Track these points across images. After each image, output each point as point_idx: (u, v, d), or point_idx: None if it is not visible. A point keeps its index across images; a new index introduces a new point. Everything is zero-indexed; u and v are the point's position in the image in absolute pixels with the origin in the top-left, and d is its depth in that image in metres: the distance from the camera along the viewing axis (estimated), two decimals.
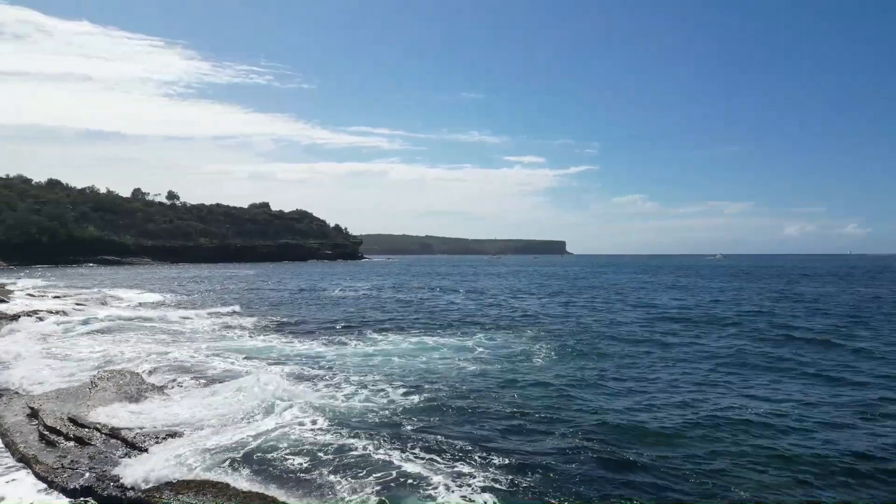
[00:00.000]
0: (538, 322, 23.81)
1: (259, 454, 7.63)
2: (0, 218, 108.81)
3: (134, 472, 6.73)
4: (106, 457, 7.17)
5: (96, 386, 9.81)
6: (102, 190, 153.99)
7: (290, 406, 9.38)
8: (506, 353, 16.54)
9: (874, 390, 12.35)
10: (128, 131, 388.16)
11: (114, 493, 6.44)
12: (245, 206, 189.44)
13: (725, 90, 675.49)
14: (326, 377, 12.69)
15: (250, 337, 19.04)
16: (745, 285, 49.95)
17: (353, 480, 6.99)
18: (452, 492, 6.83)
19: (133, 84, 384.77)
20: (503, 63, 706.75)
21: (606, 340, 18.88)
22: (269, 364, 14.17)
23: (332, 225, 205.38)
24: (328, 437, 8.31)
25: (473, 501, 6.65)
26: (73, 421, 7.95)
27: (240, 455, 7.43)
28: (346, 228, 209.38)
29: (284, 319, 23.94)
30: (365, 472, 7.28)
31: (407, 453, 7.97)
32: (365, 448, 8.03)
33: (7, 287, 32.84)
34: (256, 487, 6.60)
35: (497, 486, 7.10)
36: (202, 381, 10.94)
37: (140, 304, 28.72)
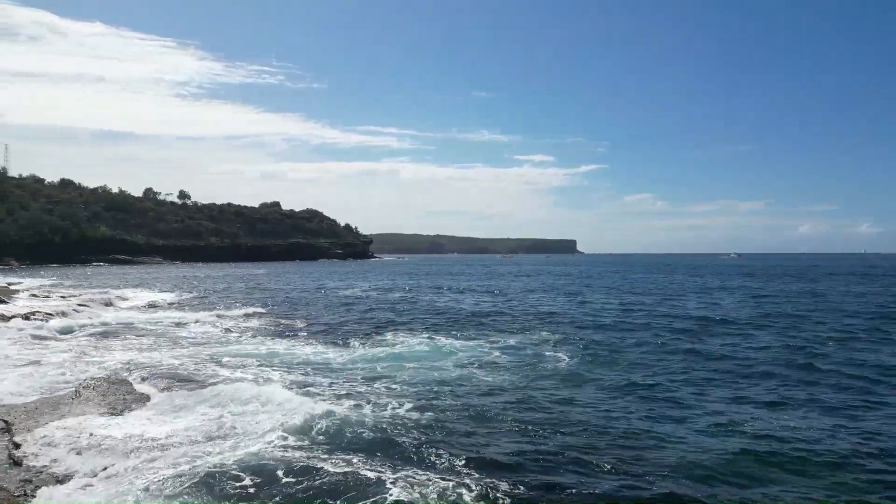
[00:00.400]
0: (556, 324, 22.73)
1: (220, 485, 6.51)
2: (13, 218, 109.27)
3: None
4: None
5: (80, 395, 8.95)
6: (114, 190, 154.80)
7: (281, 424, 8.37)
8: (524, 361, 15.48)
9: None
10: (140, 131, 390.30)
11: None
12: (256, 205, 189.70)
13: (735, 89, 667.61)
14: (331, 387, 11.71)
15: (256, 340, 18.16)
16: (767, 285, 48.44)
17: None
18: None
19: (145, 84, 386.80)
20: (511, 62, 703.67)
21: (632, 346, 17.72)
22: (273, 371, 13.25)
23: (342, 224, 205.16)
24: (313, 462, 7.22)
25: None
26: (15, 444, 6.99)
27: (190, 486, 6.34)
28: (356, 228, 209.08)
29: (293, 321, 23.06)
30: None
31: (403, 483, 6.83)
32: (356, 476, 6.94)
33: (12, 287, 32.30)
34: None
35: None
36: (195, 390, 10.00)
37: (145, 305, 27.98)
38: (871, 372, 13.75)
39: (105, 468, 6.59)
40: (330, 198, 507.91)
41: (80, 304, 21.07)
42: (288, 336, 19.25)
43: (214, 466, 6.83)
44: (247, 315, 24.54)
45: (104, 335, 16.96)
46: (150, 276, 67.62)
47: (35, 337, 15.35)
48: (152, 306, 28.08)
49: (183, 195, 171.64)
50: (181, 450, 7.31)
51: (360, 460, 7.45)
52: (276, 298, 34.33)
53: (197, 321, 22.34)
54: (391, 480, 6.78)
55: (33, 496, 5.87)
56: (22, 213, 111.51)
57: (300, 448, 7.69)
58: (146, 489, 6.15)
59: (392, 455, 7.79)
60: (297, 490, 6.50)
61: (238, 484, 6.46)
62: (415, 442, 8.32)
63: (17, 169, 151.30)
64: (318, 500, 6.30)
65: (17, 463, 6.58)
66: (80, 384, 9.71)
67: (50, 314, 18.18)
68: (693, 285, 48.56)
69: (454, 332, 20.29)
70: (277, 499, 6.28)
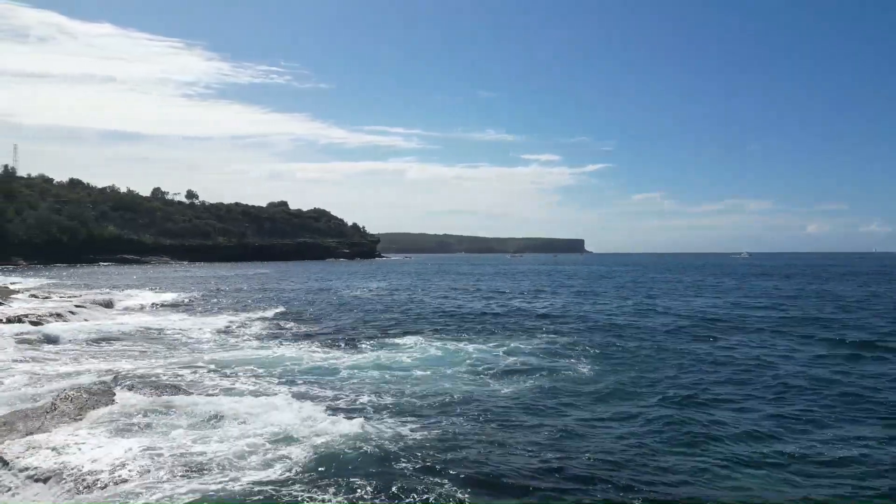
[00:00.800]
0: (571, 327, 21.70)
1: None
2: (21, 217, 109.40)
3: None
4: None
5: (56, 408, 8.08)
6: (123, 189, 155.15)
7: (268, 452, 7.36)
8: (541, 367, 14.49)
9: None
10: (148, 131, 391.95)
11: None
12: (263, 205, 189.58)
13: (741, 88, 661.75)
14: (336, 400, 10.73)
15: (259, 344, 17.28)
16: (783, 285, 47.12)
17: None
18: None
19: (153, 85, 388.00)
20: (518, 62, 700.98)
21: (655, 352, 16.64)
22: (274, 380, 12.33)
23: (349, 224, 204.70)
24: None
25: None
26: None
27: None
28: (363, 227, 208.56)
29: (299, 323, 22.16)
30: None
31: None
32: None
33: (13, 287, 31.67)
34: None
35: None
36: (181, 405, 9.06)
37: (146, 307, 27.19)
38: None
39: None
40: (337, 197, 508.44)
41: (77, 306, 20.27)
42: (293, 340, 18.36)
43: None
44: (251, 317, 23.66)
45: (98, 340, 16.05)
46: (156, 276, 67.13)
47: (22, 342, 14.50)
48: (154, 308, 27.30)
49: (191, 195, 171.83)
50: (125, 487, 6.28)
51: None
52: (281, 299, 33.50)
53: (199, 324, 21.50)
54: None
55: None
56: (30, 213, 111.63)
57: (287, 482, 6.72)
58: None
59: (400, 492, 6.78)
60: None
61: None
62: (423, 473, 7.22)
63: (27, 169, 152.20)
64: None
65: None
66: (57, 396, 8.85)
67: (44, 316, 17.39)
68: (709, 286, 47.31)
69: (465, 335, 19.34)
70: None
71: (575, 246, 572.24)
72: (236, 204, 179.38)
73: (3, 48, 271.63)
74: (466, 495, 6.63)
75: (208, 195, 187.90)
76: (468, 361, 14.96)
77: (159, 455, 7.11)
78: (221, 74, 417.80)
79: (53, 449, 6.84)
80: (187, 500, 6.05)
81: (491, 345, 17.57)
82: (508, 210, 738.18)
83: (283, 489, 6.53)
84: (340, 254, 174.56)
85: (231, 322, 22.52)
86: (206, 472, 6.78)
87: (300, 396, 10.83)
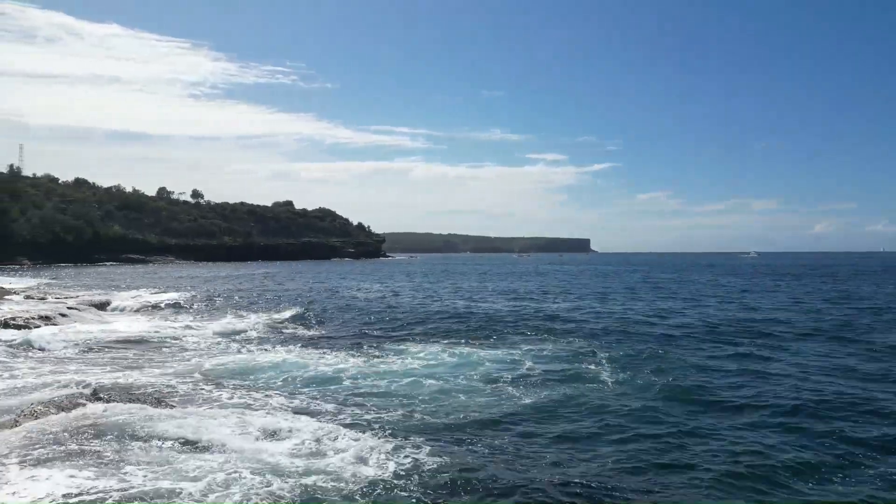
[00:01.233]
0: (585, 329, 20.59)
1: None
2: (26, 217, 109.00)
3: None
4: None
5: (17, 424, 7.11)
6: (128, 189, 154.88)
7: (251, 488, 6.22)
8: (562, 374, 13.45)
9: None
10: (154, 132, 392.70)
11: None
12: (269, 204, 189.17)
13: (747, 87, 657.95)
14: (337, 416, 9.71)
15: (259, 349, 16.27)
16: (800, 285, 45.78)
17: None
18: None
19: (160, 85, 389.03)
20: (523, 61, 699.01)
21: (679, 357, 15.50)
22: (271, 392, 11.30)
23: (355, 223, 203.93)
24: None
25: None
26: None
27: None
28: (369, 227, 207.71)
29: (302, 327, 21.12)
30: None
31: None
32: None
33: (7, 287, 30.84)
34: None
35: None
36: (156, 424, 8.00)
37: (144, 308, 26.23)
38: None
39: None
40: (342, 197, 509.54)
41: (69, 308, 19.33)
42: (296, 344, 17.32)
43: None
44: (252, 319, 22.64)
45: (85, 346, 14.95)
46: (159, 275, 66.39)
47: (8, 347, 13.48)
48: (152, 309, 26.31)
49: (196, 194, 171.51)
50: None
51: None
52: (285, 300, 32.52)
53: (197, 328, 20.54)
54: None
55: None
56: (35, 213, 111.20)
57: None
58: None
59: None
60: None
61: None
62: None
63: (34, 169, 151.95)
64: None
65: None
66: (21, 412, 7.86)
67: (32, 319, 16.44)
68: (723, 286, 46.04)
69: (477, 339, 18.25)
70: None
71: (580, 245, 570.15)
72: (241, 203, 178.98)
73: (11, 49, 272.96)
74: None
75: (214, 195, 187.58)
76: (482, 368, 13.92)
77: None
78: (227, 74, 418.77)
79: None
80: None
81: (504, 350, 16.51)
82: (514, 210, 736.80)
83: None
84: (346, 253, 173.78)
85: (232, 325, 21.54)
86: None
87: (300, 411, 9.81)
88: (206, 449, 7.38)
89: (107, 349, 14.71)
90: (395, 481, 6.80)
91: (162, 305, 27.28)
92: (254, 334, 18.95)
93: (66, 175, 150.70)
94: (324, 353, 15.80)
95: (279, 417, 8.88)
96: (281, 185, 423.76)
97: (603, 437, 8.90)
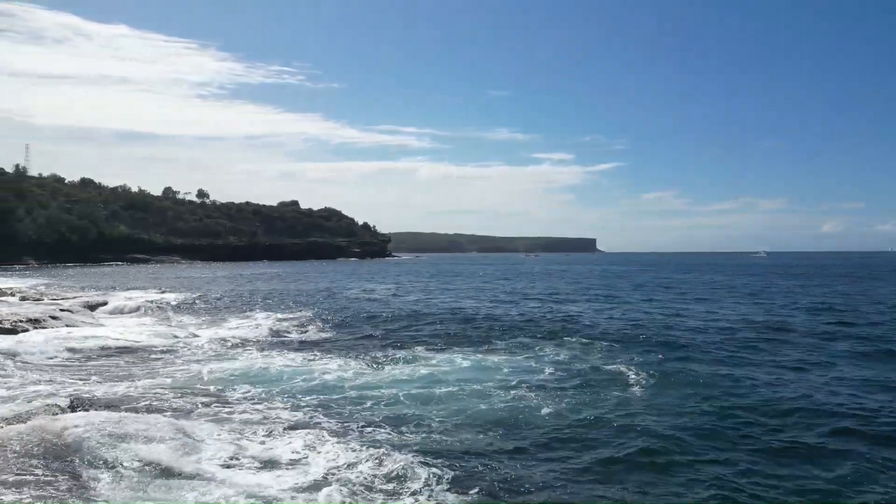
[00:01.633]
0: (605, 332, 19.56)
1: None
2: (31, 217, 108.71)
3: None
4: None
5: None
6: (134, 189, 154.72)
7: None
8: (584, 381, 12.50)
9: None
10: (161, 132, 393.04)
11: None
12: (275, 204, 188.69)
13: (755, 86, 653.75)
14: (343, 435, 8.70)
15: (260, 355, 15.30)
16: (819, 286, 44.49)
17: None
18: None
19: (167, 85, 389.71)
20: (530, 60, 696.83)
21: (706, 363, 14.49)
22: (274, 405, 10.33)
23: (360, 223, 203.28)
24: None
25: None
26: None
27: None
28: (374, 226, 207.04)
29: (307, 331, 20.14)
30: None
31: None
32: None
33: (4, 288, 30.08)
34: None
35: None
36: (139, 447, 7.04)
37: (142, 309, 25.36)
38: None
39: None
40: (348, 197, 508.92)
41: (62, 310, 18.46)
42: (298, 349, 16.36)
43: None
44: (255, 322, 21.71)
45: (70, 351, 13.87)
46: (163, 275, 65.72)
47: None
48: (150, 310, 25.43)
49: (202, 194, 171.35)
50: None
51: None
52: (290, 302, 31.62)
53: (196, 331, 19.66)
54: None
55: None
56: (41, 212, 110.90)
57: None
58: None
59: None
60: None
61: None
62: None
63: (43, 169, 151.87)
64: None
65: None
66: None
67: (20, 322, 15.53)
68: (738, 287, 44.81)
69: (490, 343, 17.25)
70: None
71: (586, 245, 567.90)
72: (247, 203, 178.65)
73: (20, 49, 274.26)
74: None
75: (221, 195, 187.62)
76: (498, 375, 12.94)
77: None
78: (234, 75, 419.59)
79: None
80: None
81: (520, 354, 15.53)
82: (519, 209, 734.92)
83: None
84: (351, 253, 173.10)
85: (231, 328, 20.65)
86: None
87: (303, 427, 8.85)
88: (189, 477, 6.42)
89: (93, 356, 13.68)
90: None
91: (160, 307, 26.40)
92: (254, 338, 18.02)
93: (72, 175, 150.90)
94: (329, 358, 14.85)
95: (279, 441, 7.92)
96: (287, 184, 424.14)
97: (635, 460, 7.91)
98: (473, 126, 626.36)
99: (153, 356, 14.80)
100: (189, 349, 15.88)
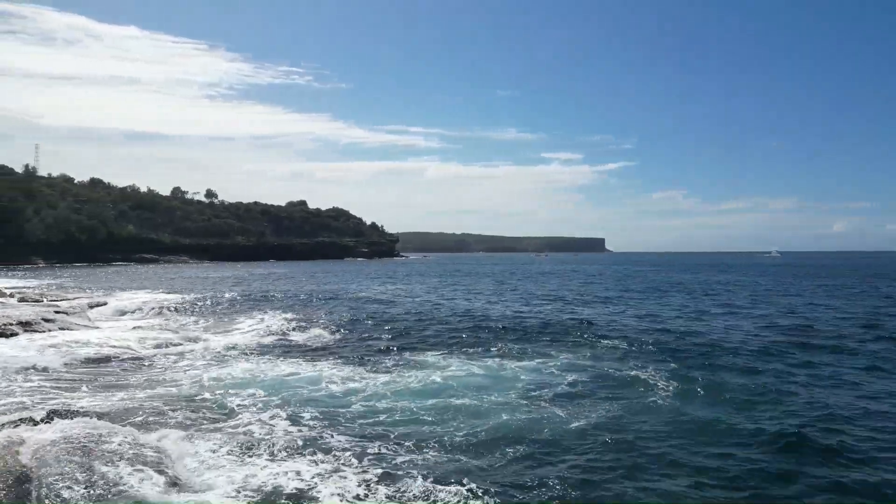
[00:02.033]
0: (624, 335, 18.52)
1: None
2: (40, 217, 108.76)
3: None
4: None
5: None
6: (143, 189, 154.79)
7: None
8: (604, 387, 11.69)
9: None
10: (171, 132, 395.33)
11: None
12: (283, 204, 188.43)
13: (764, 85, 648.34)
14: (352, 458, 7.82)
15: (263, 361, 14.42)
16: (839, 287, 43.15)
17: None
18: None
19: (177, 86, 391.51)
20: (538, 60, 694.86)
21: (736, 370, 13.46)
22: (277, 418, 9.41)
23: (368, 223, 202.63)
24: None
25: None
26: None
27: None
28: (382, 226, 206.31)
29: (312, 334, 19.22)
30: None
31: None
32: None
33: (5, 288, 29.44)
34: None
35: None
36: (118, 472, 6.13)
37: (141, 311, 24.55)
38: None
39: None
40: (356, 197, 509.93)
41: (57, 312, 17.66)
42: (303, 355, 15.43)
43: None
44: (257, 326, 20.83)
45: (58, 359, 12.87)
46: (169, 275, 65.17)
47: None
48: (151, 312, 24.62)
49: (210, 194, 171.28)
50: None
51: None
52: (295, 304, 30.77)
53: (196, 335, 18.83)
54: None
55: None
56: (49, 213, 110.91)
57: None
58: None
59: None
60: None
61: None
62: None
63: (52, 169, 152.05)
64: None
65: None
66: None
67: (9, 325, 14.68)
68: (756, 288, 43.53)
69: (505, 349, 16.26)
70: None
71: (595, 245, 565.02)
72: (255, 203, 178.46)
73: (32, 51, 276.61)
74: None
75: (229, 195, 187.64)
76: (517, 385, 12.00)
77: None
78: (243, 75, 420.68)
79: None
80: None
81: (538, 361, 14.56)
82: (527, 209, 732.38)
83: None
84: (359, 253, 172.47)
85: (235, 331, 19.82)
86: None
87: (308, 446, 7.93)
88: None
89: (81, 362, 12.79)
90: None
91: (162, 308, 25.60)
92: (257, 343, 17.14)
93: (82, 175, 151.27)
94: (336, 365, 13.94)
95: (282, 467, 7.00)
96: (295, 184, 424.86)
97: (677, 479, 6.94)
98: (481, 126, 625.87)
99: (148, 362, 13.94)
100: (188, 354, 15.02)
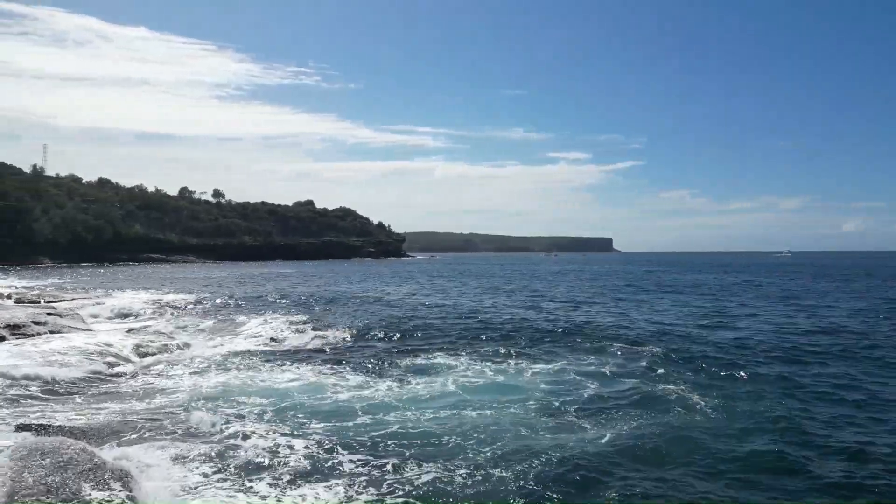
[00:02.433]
0: (644, 338, 17.56)
1: None
2: (47, 217, 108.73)
3: None
4: None
5: None
6: (151, 189, 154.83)
7: None
8: (633, 396, 10.81)
9: None
10: (180, 133, 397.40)
11: None
12: (290, 204, 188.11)
13: (773, 84, 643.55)
14: (367, 485, 6.91)
15: (265, 367, 13.54)
16: (864, 289, 41.87)
17: None
18: None
19: (186, 87, 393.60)
20: (545, 59, 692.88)
21: (771, 377, 12.48)
22: (275, 440, 8.54)
23: (375, 223, 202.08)
24: None
25: None
26: None
27: None
28: (389, 226, 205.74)
29: (317, 338, 18.33)
30: None
31: None
32: None
33: (3, 288, 28.82)
34: None
35: None
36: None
37: (141, 313, 23.77)
38: None
39: None
40: (363, 197, 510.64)
41: (50, 314, 16.86)
42: (307, 361, 14.51)
43: None
44: (260, 330, 19.98)
45: (42, 366, 12.04)
46: (175, 275, 64.63)
47: None
48: (150, 313, 23.87)
49: (217, 194, 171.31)
50: None
51: None
52: (300, 306, 29.95)
53: (196, 338, 18.04)
54: None
55: None
56: (56, 212, 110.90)
57: None
58: None
59: None
60: None
61: None
62: None
63: (62, 170, 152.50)
64: None
65: None
66: None
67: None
68: (773, 289, 42.33)
69: (522, 354, 15.31)
70: None
71: (603, 245, 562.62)
72: (262, 203, 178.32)
73: (43, 52, 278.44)
74: None
75: (237, 195, 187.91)
76: (537, 394, 11.08)
77: None
78: (252, 76, 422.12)
79: None
80: None
81: (557, 367, 13.62)
82: (535, 209, 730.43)
83: None
84: (366, 253, 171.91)
85: (237, 334, 18.98)
86: None
87: (314, 470, 7.04)
88: None
89: (67, 370, 11.99)
90: None
91: (163, 309, 24.82)
92: (258, 348, 16.28)
93: (91, 175, 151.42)
94: (342, 372, 13.06)
95: (287, 496, 6.09)
96: (303, 184, 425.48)
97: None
98: (489, 126, 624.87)
99: (140, 370, 13.09)
100: (185, 361, 14.16)
